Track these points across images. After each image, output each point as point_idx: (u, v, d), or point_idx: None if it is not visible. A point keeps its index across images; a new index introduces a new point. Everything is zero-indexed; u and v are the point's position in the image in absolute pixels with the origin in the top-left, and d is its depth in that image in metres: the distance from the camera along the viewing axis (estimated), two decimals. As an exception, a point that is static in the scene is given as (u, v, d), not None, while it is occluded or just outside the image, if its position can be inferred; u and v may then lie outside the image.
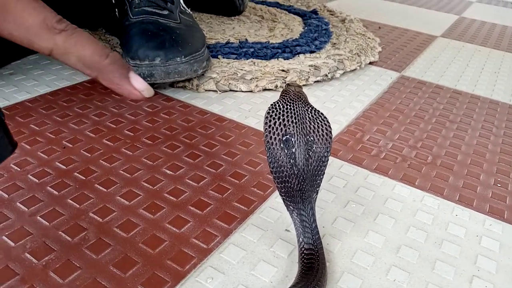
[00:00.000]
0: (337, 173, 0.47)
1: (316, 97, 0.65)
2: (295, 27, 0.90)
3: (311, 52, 0.76)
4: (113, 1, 0.67)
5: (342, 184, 0.45)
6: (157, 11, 0.62)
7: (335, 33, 0.88)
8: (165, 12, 0.63)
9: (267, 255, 0.35)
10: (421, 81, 0.76)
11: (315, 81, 0.69)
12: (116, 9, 0.67)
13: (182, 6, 0.68)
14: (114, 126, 0.51)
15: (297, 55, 0.74)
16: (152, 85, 0.60)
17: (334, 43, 0.82)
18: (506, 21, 1.34)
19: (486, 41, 1.07)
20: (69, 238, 0.35)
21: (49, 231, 0.35)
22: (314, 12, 1.02)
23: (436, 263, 0.36)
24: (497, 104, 0.70)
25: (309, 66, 0.69)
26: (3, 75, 0.60)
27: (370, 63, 0.81)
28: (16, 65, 0.63)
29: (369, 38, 0.88)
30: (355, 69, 0.76)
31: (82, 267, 0.32)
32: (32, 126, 0.50)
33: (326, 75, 0.69)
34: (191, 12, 0.70)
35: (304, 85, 0.67)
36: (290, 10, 1.03)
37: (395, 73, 0.78)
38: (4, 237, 0.34)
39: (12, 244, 0.34)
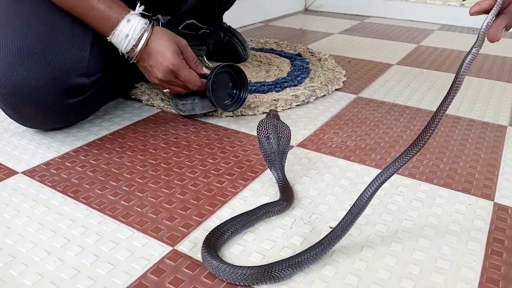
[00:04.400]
0: (305, 156, 0.82)
1: (296, 115, 1.01)
2: (284, 68, 1.27)
3: (294, 85, 1.13)
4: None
5: (306, 161, 0.80)
6: (192, 69, 0.99)
7: (313, 70, 1.25)
8: (197, 69, 1.00)
9: (264, 193, 0.70)
10: (370, 99, 1.11)
11: (296, 105, 1.05)
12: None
13: (206, 62, 1.05)
14: (175, 140, 0.87)
15: (285, 89, 1.11)
16: (193, 115, 0.97)
17: (311, 77, 1.19)
18: (456, 45, 1.68)
19: (432, 64, 1.43)
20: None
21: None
22: (299, 55, 1.39)
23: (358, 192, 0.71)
24: (419, 111, 1.05)
25: (292, 95, 1.05)
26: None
27: (337, 89, 1.17)
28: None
29: (337, 71, 1.25)
30: (324, 95, 1.12)
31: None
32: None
33: (304, 101, 1.05)
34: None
35: (288, 108, 1.04)
36: (281, 54, 1.40)
37: (354, 95, 1.14)
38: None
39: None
